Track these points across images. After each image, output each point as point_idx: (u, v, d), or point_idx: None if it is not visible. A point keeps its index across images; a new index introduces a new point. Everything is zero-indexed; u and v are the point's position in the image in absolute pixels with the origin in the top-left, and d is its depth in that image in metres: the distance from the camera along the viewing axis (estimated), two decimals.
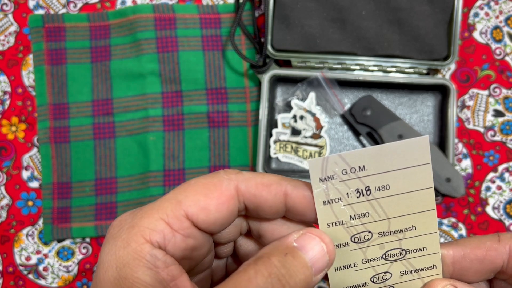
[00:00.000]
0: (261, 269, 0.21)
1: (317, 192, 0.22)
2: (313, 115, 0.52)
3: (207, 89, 0.54)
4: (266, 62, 0.52)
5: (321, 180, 0.22)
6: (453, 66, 0.54)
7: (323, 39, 0.51)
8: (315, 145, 0.52)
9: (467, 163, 0.53)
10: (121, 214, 0.23)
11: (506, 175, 0.53)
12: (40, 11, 0.55)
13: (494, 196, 0.53)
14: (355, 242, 0.23)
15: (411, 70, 0.51)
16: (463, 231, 0.53)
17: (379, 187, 0.22)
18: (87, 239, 0.54)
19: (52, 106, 0.54)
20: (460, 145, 0.54)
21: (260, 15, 0.55)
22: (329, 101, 0.52)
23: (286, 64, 0.54)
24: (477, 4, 0.54)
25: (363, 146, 0.53)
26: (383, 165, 0.22)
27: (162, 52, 0.54)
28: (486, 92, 0.54)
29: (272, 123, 0.53)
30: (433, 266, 0.24)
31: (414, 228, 0.23)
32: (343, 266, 0.24)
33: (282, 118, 0.52)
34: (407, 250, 0.23)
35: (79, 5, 0.55)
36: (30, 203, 0.54)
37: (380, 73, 0.52)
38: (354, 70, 0.52)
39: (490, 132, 0.54)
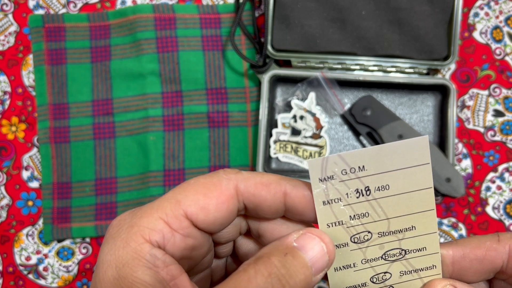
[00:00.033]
0: (261, 269, 0.21)
1: (317, 192, 0.22)
2: (313, 115, 0.52)
3: (207, 89, 0.54)
4: (266, 62, 0.52)
5: (321, 180, 0.22)
6: (453, 66, 0.54)
7: (323, 39, 0.51)
8: (315, 145, 0.52)
9: (467, 163, 0.53)
10: (121, 214, 0.23)
11: (506, 175, 0.53)
12: (40, 11, 0.55)
13: (494, 196, 0.53)
14: (354, 242, 0.23)
15: (411, 70, 0.51)
16: (463, 231, 0.53)
17: (378, 187, 0.22)
18: (87, 239, 0.54)
19: (52, 106, 0.54)
20: (460, 145, 0.54)
21: (260, 15, 0.55)
22: (329, 101, 0.52)
23: (286, 64, 0.54)
24: (477, 4, 0.54)
25: (363, 146, 0.53)
26: (382, 165, 0.22)
27: (162, 52, 0.54)
28: (486, 92, 0.54)
29: (272, 123, 0.53)
30: (433, 266, 0.24)
31: (413, 228, 0.23)
32: (343, 266, 0.24)
33: (282, 118, 0.52)
34: (407, 250, 0.23)
35: (79, 5, 0.55)
36: (30, 203, 0.54)
37: (380, 73, 0.52)
38: (354, 70, 0.52)
39: (490, 132, 0.54)
